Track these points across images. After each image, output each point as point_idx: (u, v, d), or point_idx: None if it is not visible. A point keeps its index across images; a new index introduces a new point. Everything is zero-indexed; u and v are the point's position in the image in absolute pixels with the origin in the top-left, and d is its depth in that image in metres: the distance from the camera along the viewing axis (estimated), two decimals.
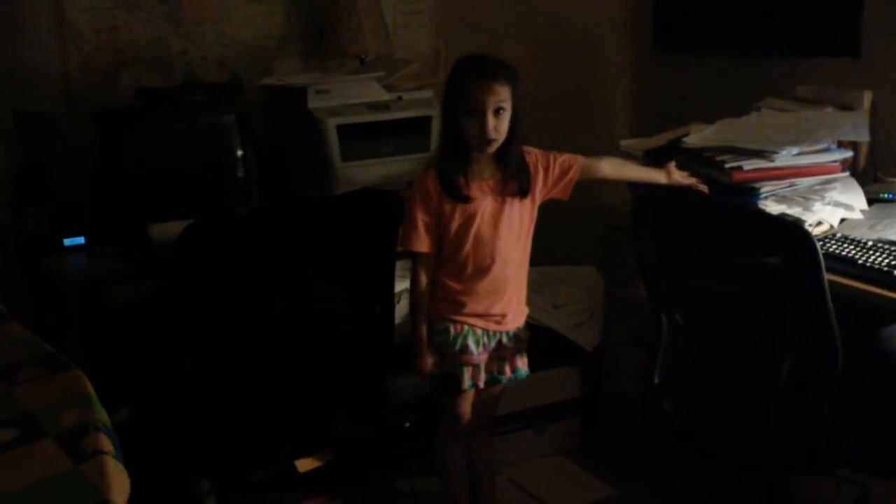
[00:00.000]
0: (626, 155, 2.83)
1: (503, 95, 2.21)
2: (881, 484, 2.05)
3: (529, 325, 2.49)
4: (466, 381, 2.33)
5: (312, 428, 2.47)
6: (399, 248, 2.35)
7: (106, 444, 1.22)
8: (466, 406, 2.42)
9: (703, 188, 2.47)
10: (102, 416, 1.31)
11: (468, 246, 2.30)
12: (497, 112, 2.21)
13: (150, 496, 2.34)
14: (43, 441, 1.24)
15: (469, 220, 2.29)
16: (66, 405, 1.33)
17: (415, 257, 2.32)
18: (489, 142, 2.23)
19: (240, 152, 2.86)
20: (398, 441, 2.71)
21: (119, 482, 1.16)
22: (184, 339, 2.30)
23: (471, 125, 2.22)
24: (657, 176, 2.50)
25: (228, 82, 3.13)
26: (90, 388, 1.39)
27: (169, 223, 2.47)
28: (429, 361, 2.34)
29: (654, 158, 2.71)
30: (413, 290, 2.34)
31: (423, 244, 2.29)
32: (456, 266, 2.32)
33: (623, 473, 2.88)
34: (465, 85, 2.22)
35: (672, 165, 2.51)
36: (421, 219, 2.28)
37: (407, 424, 2.83)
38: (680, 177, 2.49)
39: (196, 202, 2.70)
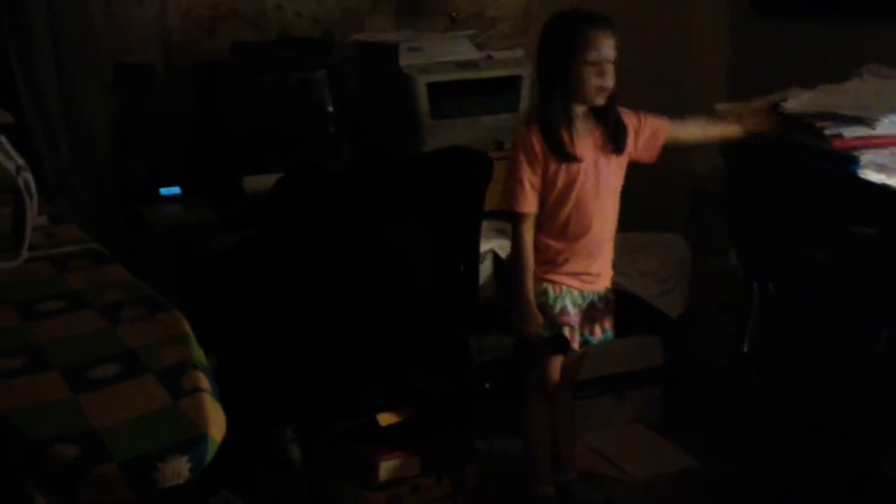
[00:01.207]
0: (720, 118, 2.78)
1: (615, 46, 2.22)
2: None
3: (614, 290, 2.48)
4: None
5: (395, 383, 2.50)
6: (503, 208, 2.34)
7: (204, 381, 1.26)
8: (557, 367, 2.43)
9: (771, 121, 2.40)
10: (200, 355, 1.35)
11: (571, 205, 2.29)
12: (612, 62, 2.22)
13: (235, 441, 2.44)
14: (144, 377, 1.28)
15: (573, 179, 2.28)
16: (166, 344, 1.37)
17: (518, 217, 2.31)
18: (609, 92, 2.23)
19: (331, 108, 2.89)
20: (478, 401, 2.73)
21: (216, 418, 1.20)
22: (273, 289, 2.34)
23: (591, 75, 2.21)
24: (732, 130, 2.43)
25: (321, 38, 3.16)
26: (188, 329, 1.43)
27: (261, 176, 2.51)
28: (538, 322, 2.33)
29: None
30: (519, 251, 2.32)
31: (529, 205, 2.28)
32: (557, 226, 2.31)
33: (704, 445, 2.84)
34: (584, 34, 2.20)
35: (744, 108, 2.43)
36: (527, 178, 2.26)
37: (487, 385, 2.85)
38: (752, 123, 2.40)
39: (288, 156, 2.73)
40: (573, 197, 2.28)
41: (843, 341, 2.04)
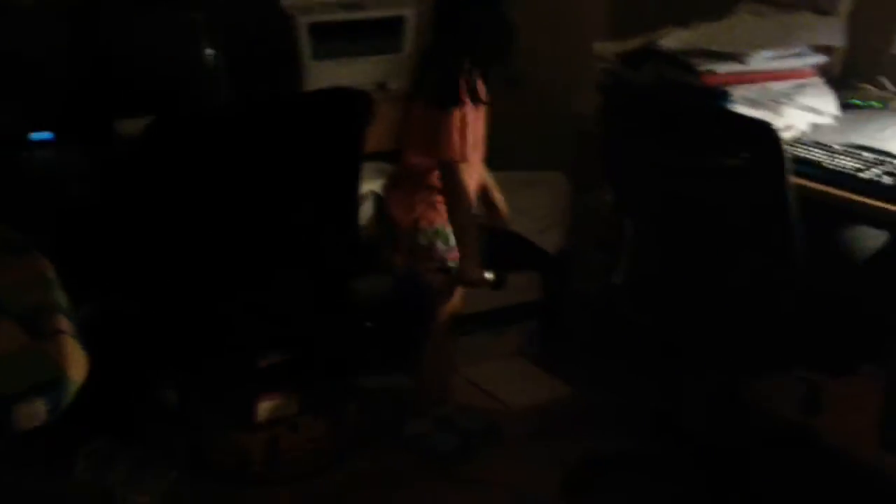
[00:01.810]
0: (599, 59, 2.80)
1: None
2: (833, 386, 2.10)
3: (494, 228, 2.53)
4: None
5: (273, 323, 2.48)
6: (447, 158, 2.36)
7: (65, 324, 1.23)
8: (460, 302, 2.58)
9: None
10: (62, 298, 1.31)
11: (474, 148, 2.32)
12: None
13: (111, 387, 2.40)
14: (2, 320, 1.25)
15: (480, 121, 2.31)
16: (27, 286, 1.34)
17: (456, 167, 2.35)
18: None
19: (209, 49, 2.81)
20: (358, 339, 2.74)
21: (76, 359, 1.17)
22: (148, 233, 2.29)
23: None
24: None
25: None
26: (52, 273, 1.39)
27: (135, 119, 2.43)
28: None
29: (628, 62, 2.68)
30: (466, 199, 2.38)
31: (471, 152, 2.34)
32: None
33: (580, 374, 2.92)
34: None
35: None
36: (466, 125, 2.31)
37: (368, 324, 2.86)
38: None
39: (164, 98, 2.65)
40: (478, 140, 2.31)
41: (709, 272, 2.11)
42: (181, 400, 2.50)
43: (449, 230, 2.43)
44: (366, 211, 2.81)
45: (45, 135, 2.70)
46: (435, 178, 2.42)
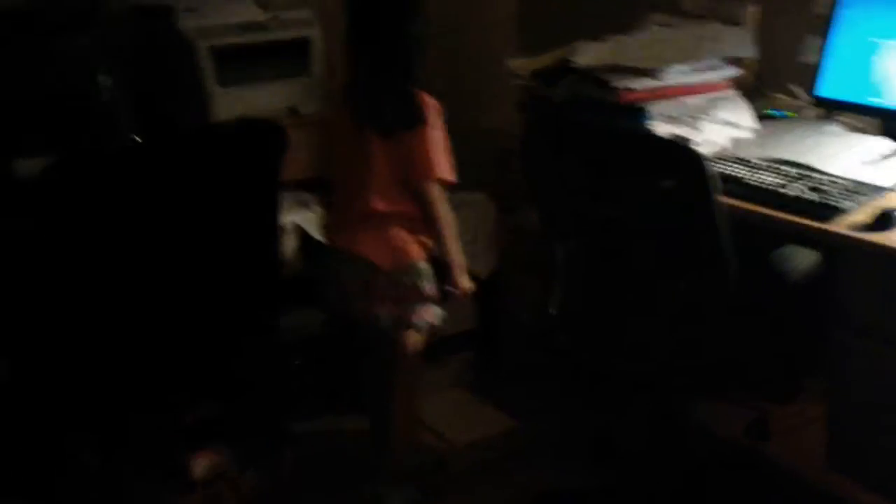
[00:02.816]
0: (514, 76, 2.76)
1: None
2: (777, 409, 2.09)
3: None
4: None
5: (198, 374, 2.36)
6: (437, 178, 2.26)
7: None
8: None
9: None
10: None
11: None
12: None
13: (25, 450, 2.25)
14: None
15: None
16: None
17: (439, 187, 2.27)
18: None
19: (104, 77, 2.65)
20: (288, 380, 2.64)
21: None
22: (56, 284, 2.15)
23: None
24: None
25: (89, 1, 2.90)
26: None
27: (33, 158, 2.28)
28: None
29: (543, 79, 2.64)
30: (447, 217, 2.31)
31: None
32: None
33: (521, 404, 2.88)
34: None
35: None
36: (445, 137, 2.25)
37: (297, 362, 2.77)
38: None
39: (62, 134, 2.50)
40: None
41: (642, 296, 2.08)
42: (104, 460, 2.35)
43: (423, 264, 2.34)
44: (289, 243, 2.71)
45: None
46: (407, 209, 2.28)
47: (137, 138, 2.61)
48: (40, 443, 2.27)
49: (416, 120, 2.22)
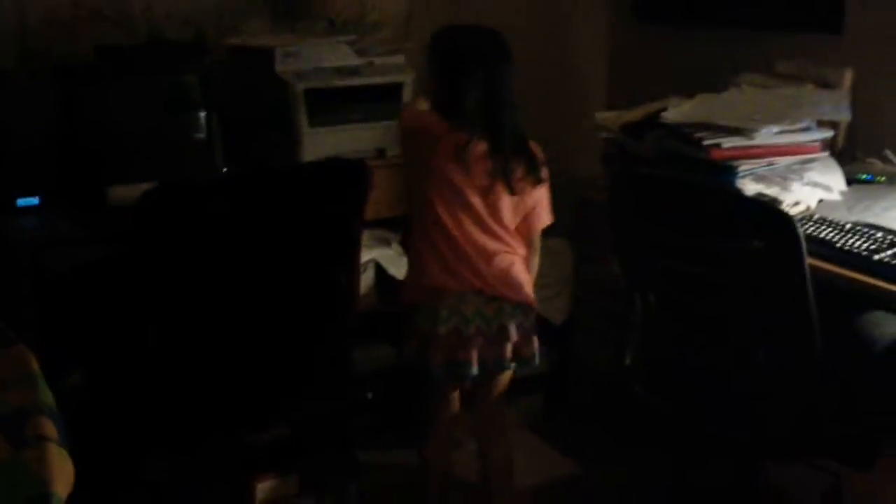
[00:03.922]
0: (602, 128, 2.77)
1: None
2: (854, 474, 2.02)
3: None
4: None
5: (272, 400, 2.40)
6: (548, 224, 2.32)
7: (49, 428, 1.14)
8: None
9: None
10: (47, 397, 1.22)
11: None
12: None
13: (99, 469, 2.30)
14: None
15: None
16: (8, 385, 1.25)
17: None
18: None
19: (203, 114, 2.75)
20: (359, 413, 2.65)
21: (62, 471, 1.08)
22: (142, 306, 2.21)
23: None
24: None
25: (193, 42, 3.01)
26: (35, 367, 1.30)
27: (127, 186, 2.37)
28: None
29: (631, 133, 2.65)
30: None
31: None
32: None
33: (588, 452, 2.84)
34: None
35: None
36: None
37: (369, 395, 2.78)
38: None
39: (157, 165, 2.59)
40: None
41: (722, 355, 2.04)
42: (173, 483, 2.39)
43: None
44: (366, 280, 2.74)
45: (31, 200, 2.63)
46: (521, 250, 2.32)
47: (226, 170, 2.70)
48: (113, 460, 2.31)
49: (541, 178, 2.27)
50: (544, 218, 2.33)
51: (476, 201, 2.21)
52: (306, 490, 2.43)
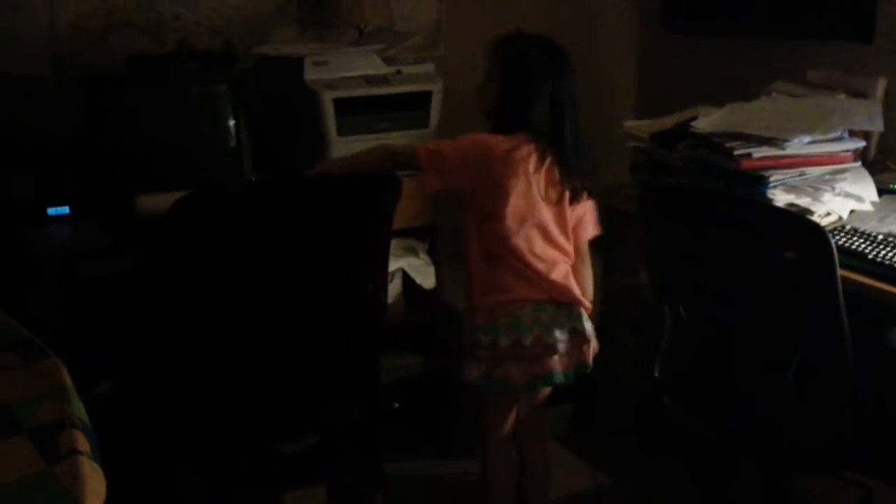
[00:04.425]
0: (631, 137, 2.75)
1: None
2: (885, 487, 1.99)
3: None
4: None
5: (300, 409, 2.40)
6: (595, 235, 2.34)
7: (82, 442, 1.15)
8: None
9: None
10: (80, 410, 1.23)
11: None
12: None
13: (130, 478, 2.31)
14: (16, 437, 1.16)
15: None
16: (41, 398, 1.25)
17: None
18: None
19: (232, 123, 2.76)
20: (386, 423, 2.65)
21: (93, 486, 1.09)
22: (173, 314, 2.22)
23: None
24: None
25: (222, 51, 3.03)
26: (68, 380, 1.31)
27: (157, 195, 2.38)
28: None
29: (661, 141, 2.63)
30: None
31: None
32: None
33: (616, 463, 2.83)
34: None
35: None
36: None
37: (396, 405, 2.77)
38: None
39: (186, 174, 2.60)
40: None
41: (752, 367, 2.02)
42: (202, 488, 2.40)
43: None
44: (394, 288, 2.73)
45: (61, 209, 2.65)
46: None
47: (254, 178, 2.71)
48: (141, 469, 2.32)
49: (593, 189, 2.30)
50: (591, 228, 2.34)
51: (544, 214, 2.22)
52: (333, 500, 2.43)
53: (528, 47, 2.28)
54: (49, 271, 2.49)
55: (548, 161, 2.20)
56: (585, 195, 2.28)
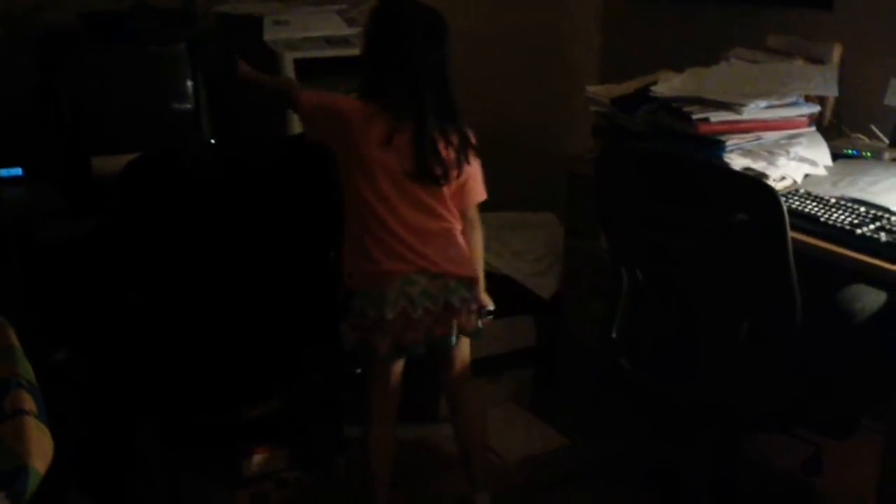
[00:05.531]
0: (593, 102, 2.75)
1: None
2: (833, 444, 2.04)
3: (487, 272, 2.43)
4: None
5: (261, 374, 2.40)
6: (482, 199, 2.30)
7: (28, 402, 1.14)
8: None
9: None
10: (27, 371, 1.22)
11: None
12: None
13: (92, 442, 2.30)
14: None
15: None
16: None
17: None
18: None
19: (190, 84, 2.73)
20: (346, 388, 2.65)
21: (40, 446, 1.08)
22: (129, 278, 2.21)
23: None
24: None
25: (181, 9, 2.98)
26: (14, 339, 1.29)
27: (112, 157, 2.35)
28: None
29: (622, 106, 2.64)
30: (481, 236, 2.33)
31: None
32: None
33: (575, 424, 2.86)
34: None
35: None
36: None
37: (358, 371, 2.77)
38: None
39: (143, 136, 2.57)
40: None
41: (706, 328, 2.05)
42: (164, 454, 2.40)
43: None
44: None
45: (14, 171, 2.61)
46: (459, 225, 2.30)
47: (213, 141, 2.68)
48: (109, 436, 2.32)
49: (469, 161, 2.24)
50: (477, 193, 2.29)
51: (409, 184, 2.17)
52: (296, 463, 2.44)
53: (398, 17, 2.21)
54: (2, 234, 2.45)
55: (408, 135, 2.15)
56: (466, 163, 2.22)
